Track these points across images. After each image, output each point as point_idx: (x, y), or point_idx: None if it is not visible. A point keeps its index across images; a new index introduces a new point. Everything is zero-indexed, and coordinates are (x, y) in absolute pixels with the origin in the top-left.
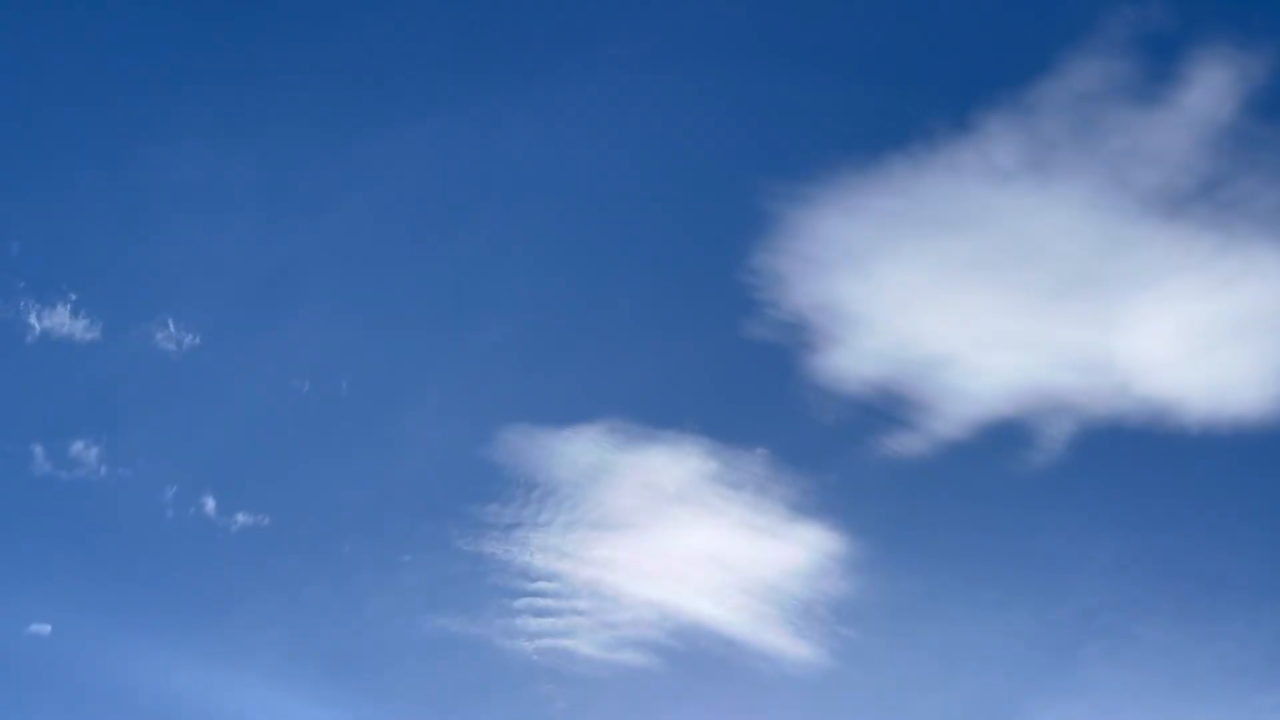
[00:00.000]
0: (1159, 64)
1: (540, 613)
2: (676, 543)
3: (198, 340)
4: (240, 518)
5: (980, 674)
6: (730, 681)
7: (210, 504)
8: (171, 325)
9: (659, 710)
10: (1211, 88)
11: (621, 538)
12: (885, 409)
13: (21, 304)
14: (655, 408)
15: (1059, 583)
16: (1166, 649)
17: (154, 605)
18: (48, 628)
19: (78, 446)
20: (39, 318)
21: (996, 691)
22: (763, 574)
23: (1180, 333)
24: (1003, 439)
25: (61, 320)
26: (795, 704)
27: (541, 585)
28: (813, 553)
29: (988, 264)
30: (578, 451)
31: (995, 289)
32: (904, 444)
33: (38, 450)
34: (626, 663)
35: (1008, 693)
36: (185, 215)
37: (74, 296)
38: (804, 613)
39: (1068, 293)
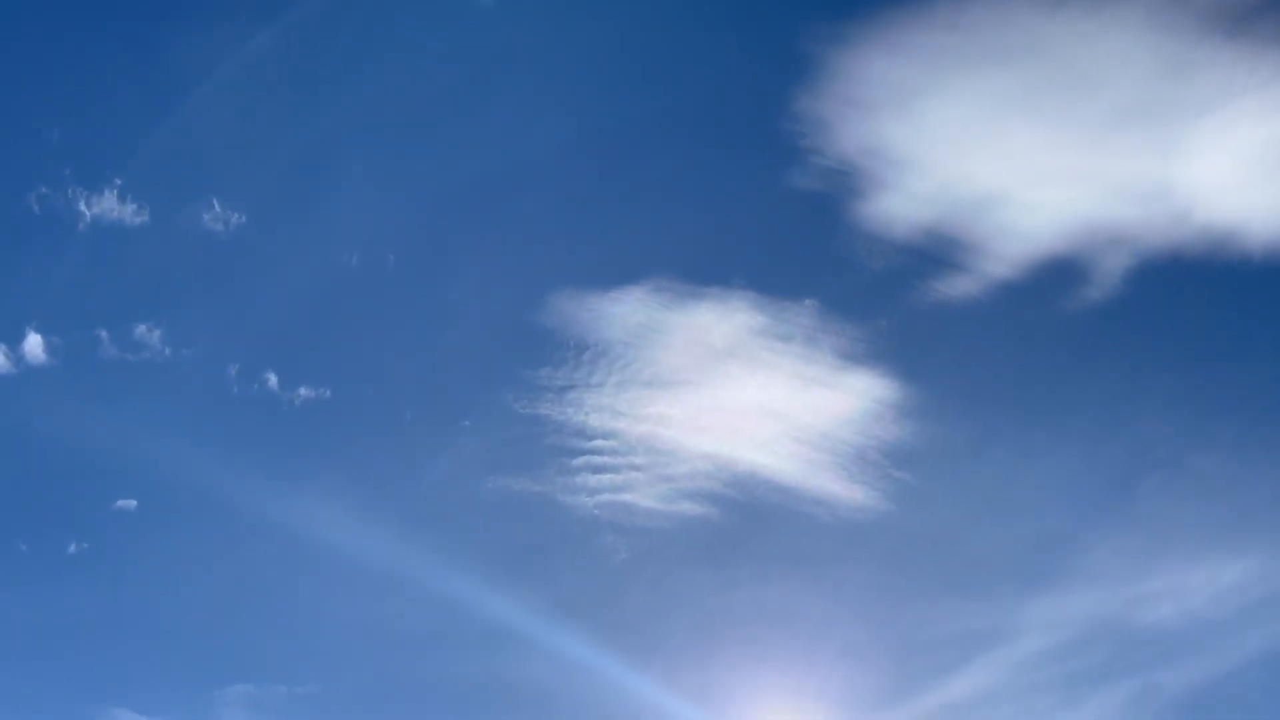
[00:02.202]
0: None
1: (598, 469)
2: (729, 396)
3: (244, 219)
4: (302, 391)
5: (1035, 511)
6: (787, 527)
7: (273, 379)
8: (217, 205)
9: (719, 557)
10: None
11: (674, 394)
12: (935, 252)
13: (70, 191)
14: (701, 264)
15: (1114, 419)
16: (1225, 479)
17: (230, 479)
18: (133, 503)
19: (141, 330)
20: (88, 205)
21: (1052, 528)
22: (815, 423)
23: (1243, 157)
24: (1057, 277)
25: (110, 206)
26: (852, 547)
27: (598, 443)
28: (864, 400)
29: (1039, 96)
30: (626, 312)
31: (1048, 122)
32: (955, 287)
33: (103, 335)
34: (685, 513)
35: (1063, 529)
36: (222, 95)
37: (119, 181)
38: (858, 458)
39: (1124, 122)
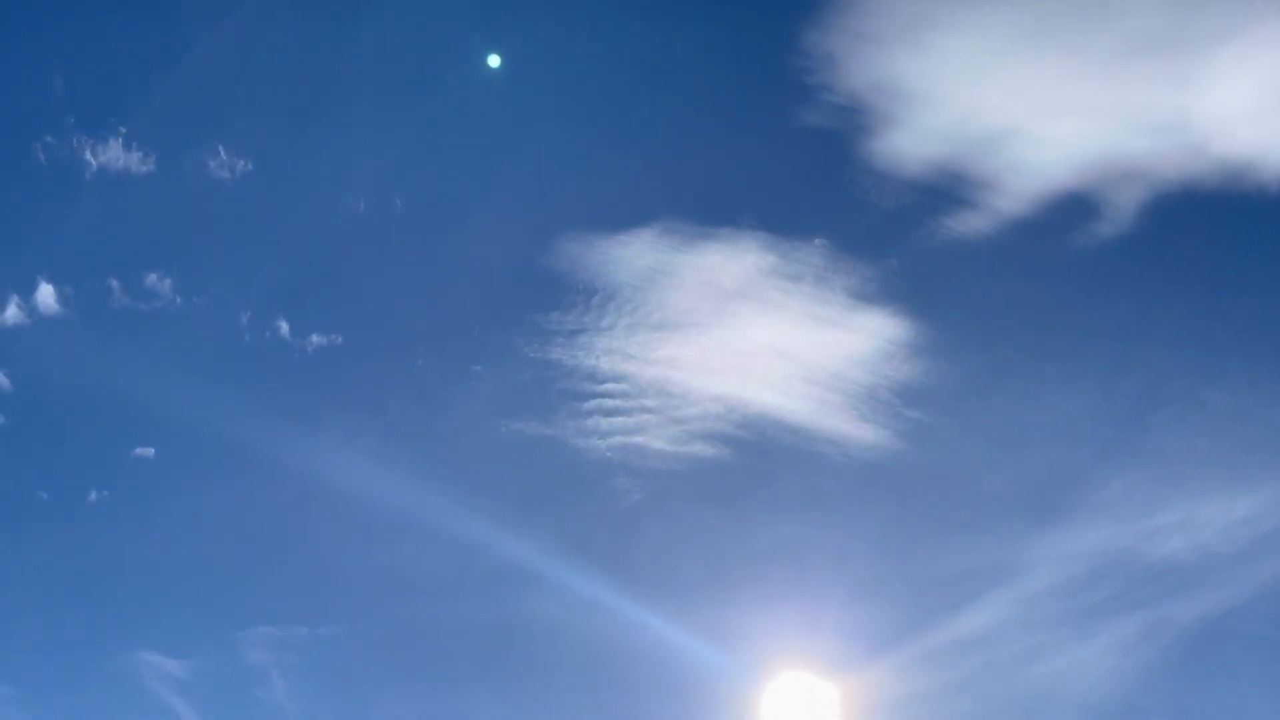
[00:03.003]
0: None
1: (610, 412)
2: (739, 338)
3: (249, 166)
4: (314, 338)
5: (1046, 447)
6: (798, 468)
7: (284, 327)
8: (222, 152)
9: (731, 498)
10: None
11: (684, 336)
12: (946, 189)
13: (75, 140)
14: (710, 205)
15: (1126, 355)
16: (1237, 414)
17: (245, 426)
18: (151, 450)
19: (151, 279)
20: (94, 153)
21: (1063, 464)
22: (826, 363)
23: (1261, 87)
24: (1069, 212)
25: (116, 155)
26: (863, 486)
27: (609, 386)
28: (875, 339)
29: (1053, 28)
30: (635, 255)
31: (1061, 54)
32: (966, 224)
33: (114, 285)
34: (697, 455)
35: (1074, 465)
36: (225, 42)
37: (123, 130)
38: (868, 398)
39: (1139, 52)
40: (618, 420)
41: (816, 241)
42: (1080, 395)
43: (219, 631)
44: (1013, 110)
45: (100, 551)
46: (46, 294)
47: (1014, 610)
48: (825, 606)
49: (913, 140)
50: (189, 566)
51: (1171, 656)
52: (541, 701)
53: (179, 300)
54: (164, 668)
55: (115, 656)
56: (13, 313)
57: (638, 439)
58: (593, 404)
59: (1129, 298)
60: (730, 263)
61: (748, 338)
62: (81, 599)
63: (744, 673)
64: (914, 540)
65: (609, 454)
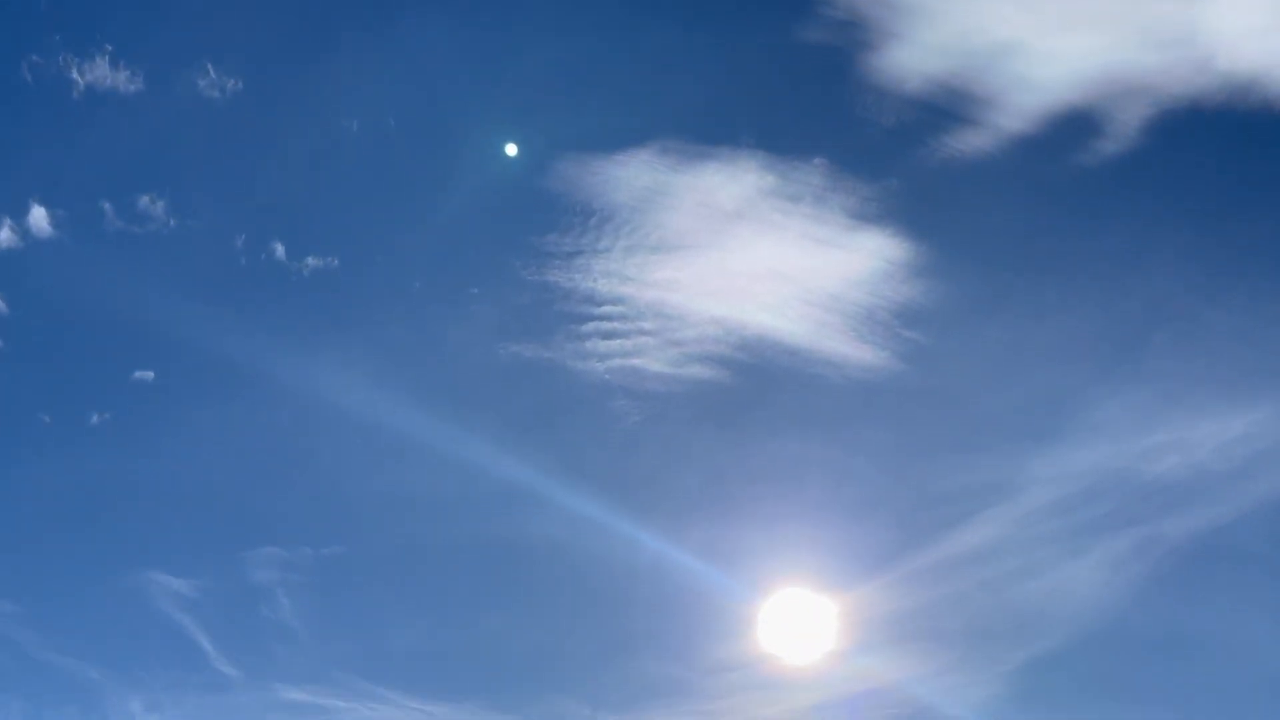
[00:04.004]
0: None
1: (608, 335)
2: (737, 259)
3: (240, 85)
4: (310, 261)
5: (1044, 368)
6: (797, 389)
7: (280, 249)
8: (212, 71)
9: (729, 420)
10: None
11: (682, 258)
12: (947, 106)
13: (61, 59)
14: (707, 124)
15: (1127, 274)
16: (1236, 333)
17: (244, 349)
18: (151, 374)
19: (144, 201)
20: (80, 72)
21: (1060, 384)
22: (824, 284)
23: (1269, 0)
24: (1072, 129)
25: (103, 73)
26: (861, 407)
27: (607, 309)
28: (875, 259)
29: None
30: (632, 175)
31: None
32: (967, 142)
33: (107, 207)
34: (695, 377)
35: (1072, 384)
36: None
37: (110, 48)
38: (867, 319)
39: None
40: (616, 343)
41: (815, 161)
42: (1079, 315)
43: (225, 552)
44: (1016, 24)
45: (105, 473)
46: (39, 216)
47: (1009, 528)
48: (823, 525)
49: (914, 56)
50: (193, 488)
51: (1163, 572)
52: (542, 619)
53: (173, 223)
54: (172, 586)
55: (124, 576)
56: (6, 236)
57: (636, 361)
58: (591, 326)
59: (1130, 216)
60: (728, 183)
61: (746, 259)
62: (88, 520)
63: (742, 590)
64: (911, 460)
65: (607, 376)
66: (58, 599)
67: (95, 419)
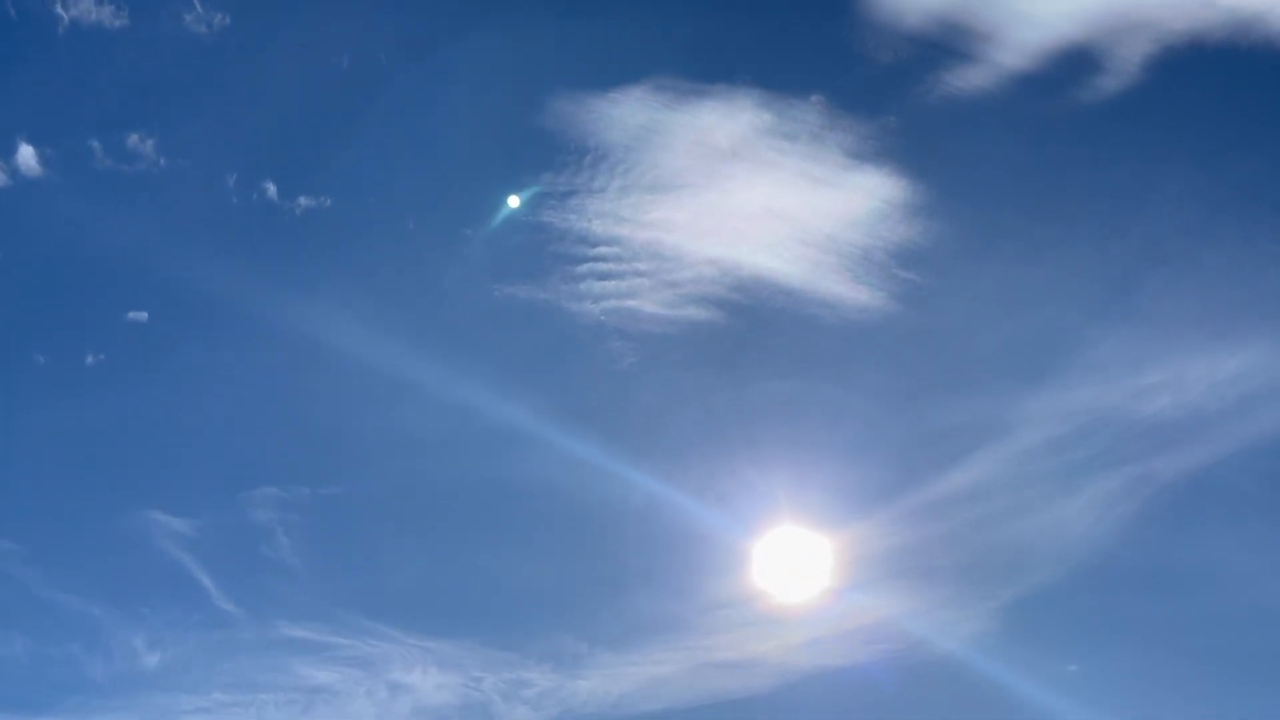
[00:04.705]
0: None
1: (603, 276)
2: (733, 199)
3: (227, 20)
4: (302, 201)
5: (1039, 307)
6: (792, 330)
7: (271, 189)
8: (198, 5)
9: (724, 361)
10: None
11: (677, 198)
12: (946, 42)
13: None
14: (703, 61)
15: (1124, 214)
16: (1232, 272)
17: (238, 290)
18: (145, 314)
19: (133, 139)
20: (64, 6)
21: (1055, 323)
22: (821, 224)
23: None
24: (1072, 66)
25: (88, 8)
26: (857, 348)
27: (601, 250)
28: (871, 199)
29: None
30: (626, 113)
31: None
32: (966, 79)
33: (95, 145)
34: (690, 318)
35: (1066, 324)
36: None
37: None
38: (863, 259)
39: None
40: (611, 284)
41: (813, 98)
42: (1075, 255)
43: (223, 492)
44: None
45: (102, 414)
46: (27, 155)
47: (1002, 467)
48: (817, 464)
49: None
50: (190, 429)
51: (1153, 510)
52: (538, 558)
53: (163, 162)
54: (171, 526)
55: (123, 515)
56: None
57: (631, 303)
58: (585, 268)
59: (1130, 156)
60: (724, 121)
61: (742, 199)
62: (87, 460)
63: (737, 528)
64: (906, 399)
65: (602, 318)
66: (58, 538)
67: (90, 360)
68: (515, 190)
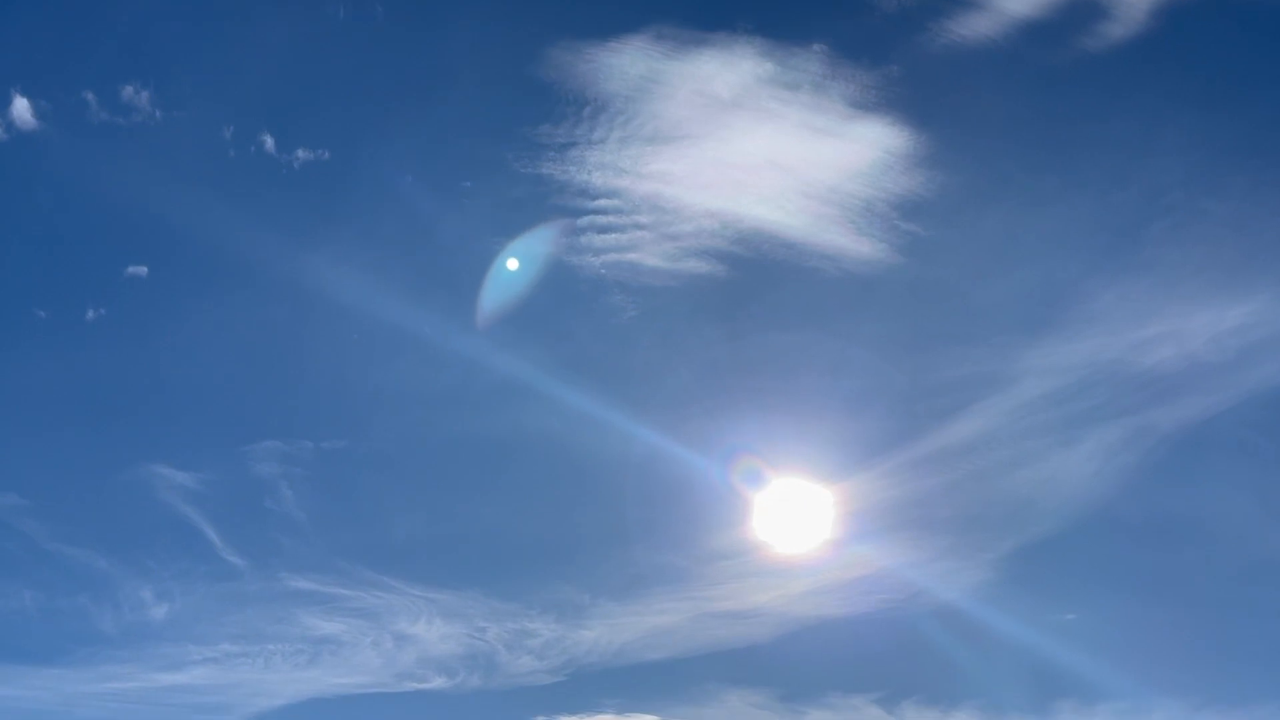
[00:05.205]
0: None
1: (603, 229)
2: (734, 150)
3: None
4: (300, 153)
5: (1042, 259)
6: (793, 283)
7: (269, 142)
8: None
9: (725, 314)
10: None
11: (677, 149)
12: None
13: None
14: (703, 9)
15: (1126, 165)
16: (1236, 223)
17: (238, 244)
18: (144, 269)
19: (128, 91)
20: None
21: (1057, 275)
22: (823, 176)
23: None
24: (1078, 12)
25: None
26: (858, 300)
27: (601, 203)
28: (874, 150)
29: None
30: (626, 63)
31: None
32: (970, 27)
33: (90, 98)
34: (691, 271)
35: (1069, 276)
36: None
37: None
38: (865, 211)
39: None
40: (611, 237)
41: (815, 47)
42: (1078, 206)
43: (226, 445)
44: None
45: (104, 369)
46: (22, 108)
47: (1003, 419)
48: (818, 416)
49: None
50: (192, 383)
51: (1154, 462)
52: (540, 510)
53: (158, 114)
54: (175, 480)
55: (128, 469)
56: None
57: (631, 256)
58: (585, 221)
59: (1135, 105)
60: (725, 70)
61: (743, 150)
62: (91, 415)
63: (738, 480)
64: (907, 352)
65: (603, 271)
66: (64, 492)
67: (91, 315)
68: (520, 145)
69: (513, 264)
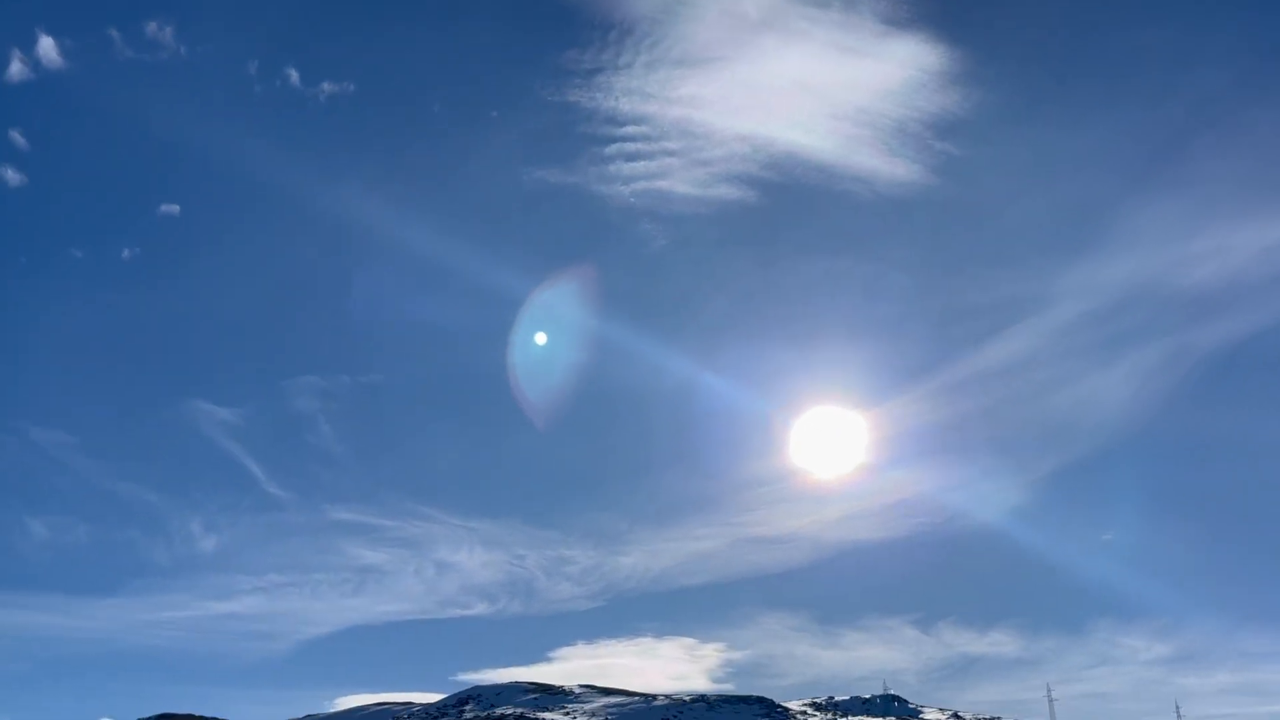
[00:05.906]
0: None
1: (632, 157)
2: (764, 73)
3: None
4: (326, 86)
5: (1080, 178)
6: (826, 207)
7: (294, 75)
8: None
9: (758, 240)
10: None
11: (706, 73)
12: None
13: None
14: None
15: (1169, 76)
16: None
17: (267, 178)
18: (176, 207)
19: (152, 27)
20: None
21: (1096, 194)
22: (854, 97)
23: None
24: None
25: None
26: (893, 222)
27: (630, 130)
28: (906, 69)
29: None
30: None
31: None
32: None
33: (114, 34)
34: (722, 198)
35: (1107, 194)
36: None
37: None
38: (898, 131)
39: None
40: (640, 165)
41: None
42: (1118, 121)
43: (266, 381)
44: None
45: (141, 308)
46: (48, 47)
47: (1040, 340)
48: (853, 342)
49: None
50: (228, 319)
51: (1193, 381)
52: (577, 441)
53: (183, 50)
54: (217, 415)
55: (170, 406)
56: (17, 69)
57: (661, 183)
58: (614, 149)
59: (1175, 11)
60: None
61: (772, 72)
62: (132, 354)
63: (773, 408)
64: (942, 275)
65: (633, 199)
66: (110, 429)
67: (126, 254)
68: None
69: (541, 338)
